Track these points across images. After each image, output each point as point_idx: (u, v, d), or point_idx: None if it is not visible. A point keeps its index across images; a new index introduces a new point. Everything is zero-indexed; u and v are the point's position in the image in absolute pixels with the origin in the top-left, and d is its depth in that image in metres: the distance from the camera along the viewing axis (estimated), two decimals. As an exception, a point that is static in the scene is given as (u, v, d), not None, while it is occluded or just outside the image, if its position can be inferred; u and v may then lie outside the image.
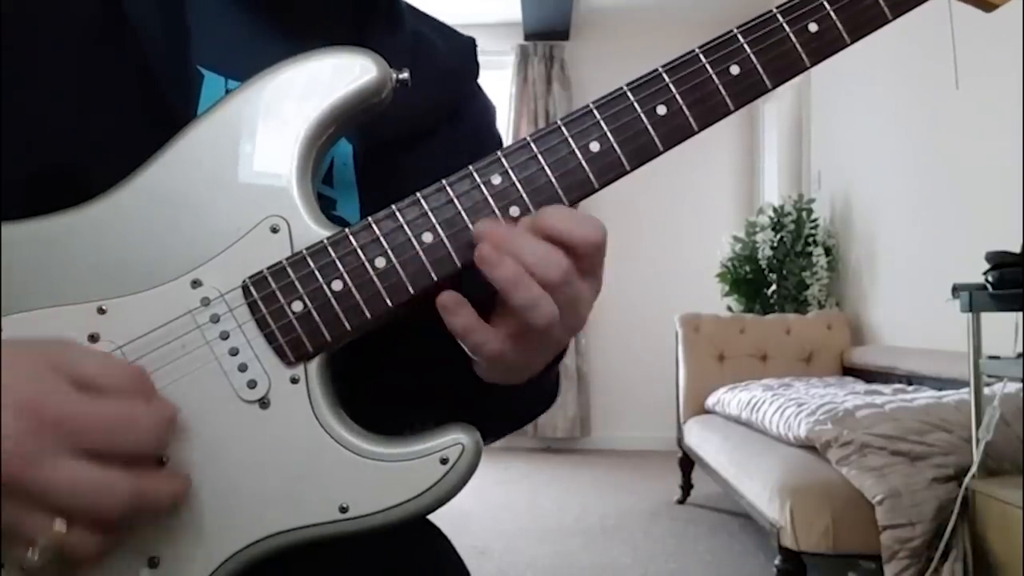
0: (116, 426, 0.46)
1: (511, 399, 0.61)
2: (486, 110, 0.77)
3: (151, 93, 0.57)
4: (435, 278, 0.54)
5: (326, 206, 0.61)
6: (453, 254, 0.54)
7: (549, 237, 0.52)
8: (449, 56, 0.72)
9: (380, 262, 0.53)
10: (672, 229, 5.43)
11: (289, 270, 0.53)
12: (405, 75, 0.56)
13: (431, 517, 0.59)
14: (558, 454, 5.25)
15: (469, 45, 0.75)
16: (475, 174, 0.54)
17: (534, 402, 0.69)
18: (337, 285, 0.53)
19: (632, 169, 0.56)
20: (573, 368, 5.34)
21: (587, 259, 0.53)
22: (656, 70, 0.55)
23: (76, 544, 0.45)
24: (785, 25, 0.56)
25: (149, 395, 0.49)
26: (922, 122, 3.47)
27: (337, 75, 0.55)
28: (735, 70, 0.56)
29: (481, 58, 0.76)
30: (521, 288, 0.51)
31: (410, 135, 0.66)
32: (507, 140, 0.60)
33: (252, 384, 0.53)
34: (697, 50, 0.56)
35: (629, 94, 0.55)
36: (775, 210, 4.52)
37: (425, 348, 0.61)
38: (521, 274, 0.51)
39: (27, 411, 0.43)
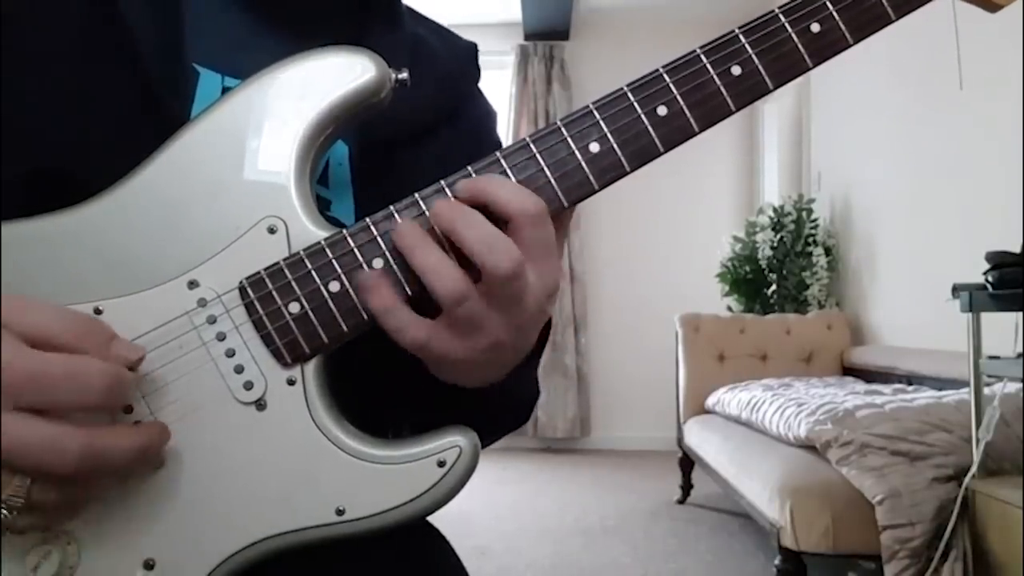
0: (61, 380, 0.45)
1: (476, 404, 0.59)
2: (486, 114, 0.76)
3: (146, 91, 0.57)
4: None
5: (321, 207, 0.60)
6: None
7: (467, 201, 0.51)
8: (449, 58, 0.72)
9: (378, 263, 0.53)
10: (672, 229, 5.43)
11: (286, 271, 0.53)
12: (404, 75, 0.56)
13: (430, 518, 0.59)
14: (558, 454, 5.25)
15: (470, 49, 0.75)
16: (474, 175, 0.54)
17: (504, 409, 0.66)
18: (334, 286, 0.53)
19: (632, 170, 0.55)
20: (573, 368, 5.34)
21: (518, 233, 0.51)
22: (657, 70, 0.55)
23: (40, 500, 0.45)
24: (787, 25, 0.56)
25: (103, 348, 0.47)
26: (922, 122, 3.46)
27: (336, 75, 0.55)
28: (736, 70, 0.55)
29: (481, 58, 0.76)
30: (417, 254, 0.50)
31: (408, 135, 0.66)
32: (507, 141, 0.60)
33: (249, 385, 0.52)
34: (698, 50, 0.55)
35: (629, 94, 0.55)
36: (775, 210, 4.52)
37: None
38: (425, 240, 0.50)
39: None
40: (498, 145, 0.75)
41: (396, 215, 0.53)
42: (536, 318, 0.53)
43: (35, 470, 0.44)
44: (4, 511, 0.44)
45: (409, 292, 0.52)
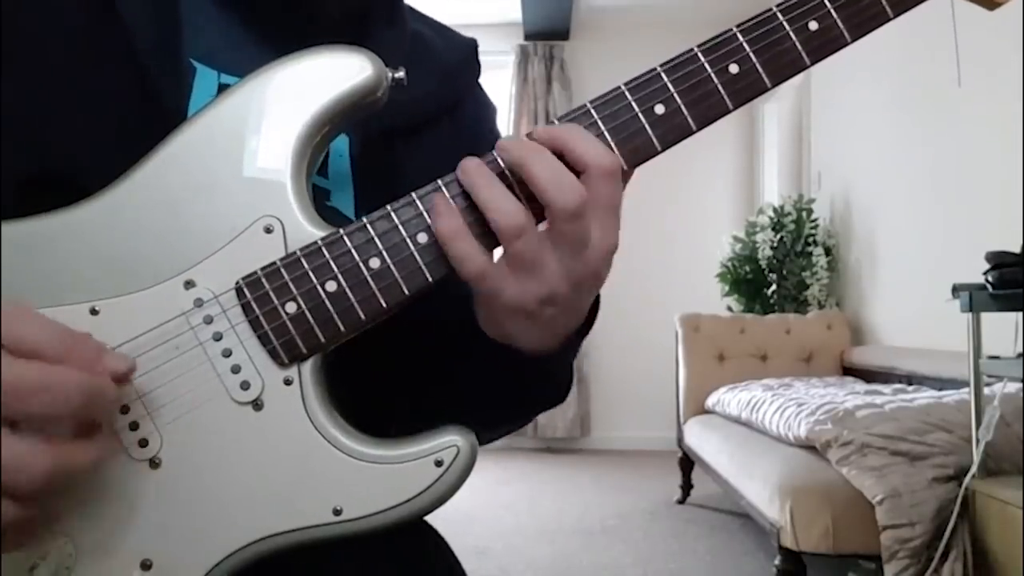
0: (35, 391, 0.44)
1: (516, 376, 0.59)
2: (487, 109, 0.76)
3: (143, 87, 0.56)
4: (430, 279, 0.53)
5: (319, 197, 0.60)
6: (450, 255, 0.53)
7: (544, 144, 0.52)
8: (449, 53, 0.72)
9: (375, 263, 0.53)
10: (672, 229, 5.43)
11: (283, 271, 0.53)
12: (401, 74, 0.56)
13: (428, 518, 0.58)
14: (558, 454, 5.25)
15: (470, 45, 0.75)
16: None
17: (543, 386, 0.65)
18: (331, 286, 0.53)
19: (630, 169, 0.55)
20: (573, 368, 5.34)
21: (590, 185, 0.51)
22: (654, 69, 0.55)
23: (7, 515, 0.44)
24: (785, 23, 0.56)
25: (92, 360, 0.47)
26: (922, 122, 3.46)
27: (333, 74, 0.55)
28: (734, 69, 0.55)
29: (481, 58, 0.76)
30: (485, 188, 0.51)
31: (408, 128, 0.66)
32: (505, 139, 0.60)
33: (245, 385, 0.52)
34: (696, 49, 0.55)
35: (627, 93, 0.55)
36: (775, 210, 4.52)
37: (425, 337, 0.60)
38: (490, 176, 0.51)
39: None
40: (498, 139, 0.75)
41: (393, 214, 0.53)
42: (593, 277, 0.53)
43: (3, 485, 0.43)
44: None
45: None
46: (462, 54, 0.73)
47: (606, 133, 0.54)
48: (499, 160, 0.53)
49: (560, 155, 0.52)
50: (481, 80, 0.76)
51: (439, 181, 0.54)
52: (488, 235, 0.52)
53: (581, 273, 0.52)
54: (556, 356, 0.59)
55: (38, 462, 0.44)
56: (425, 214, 0.53)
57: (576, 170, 0.51)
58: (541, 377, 0.62)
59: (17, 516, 0.45)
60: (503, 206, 0.51)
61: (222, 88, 0.60)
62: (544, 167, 0.51)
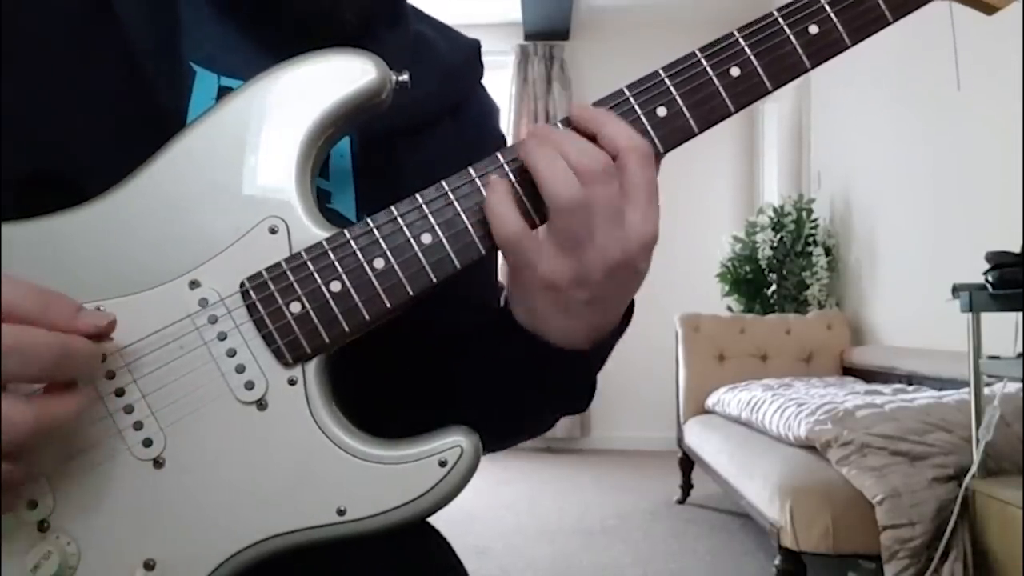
0: (7, 351, 0.44)
1: (542, 372, 0.59)
2: (489, 110, 0.76)
3: (142, 89, 0.57)
4: (434, 280, 0.53)
5: (321, 198, 0.60)
6: (452, 255, 0.54)
7: (579, 125, 0.53)
8: (452, 54, 0.72)
9: (379, 263, 0.53)
10: (672, 229, 5.36)
11: (287, 271, 0.53)
12: (405, 77, 0.56)
13: (429, 518, 0.59)
14: (558, 454, 5.25)
15: (473, 46, 0.75)
16: (474, 175, 0.54)
17: (569, 387, 0.65)
18: (336, 286, 0.53)
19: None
20: (573, 368, 5.33)
21: (625, 170, 0.52)
22: (656, 72, 0.55)
23: None
24: (785, 27, 0.56)
25: (68, 319, 0.47)
26: (922, 122, 3.46)
27: (337, 76, 0.55)
28: (735, 72, 0.55)
29: (483, 59, 0.76)
30: (544, 162, 0.51)
31: (411, 127, 0.66)
32: (507, 141, 0.60)
33: (250, 385, 0.53)
34: (697, 52, 0.56)
35: (629, 95, 0.55)
36: (775, 210, 4.52)
37: (428, 340, 0.60)
38: (554, 155, 0.52)
39: None
40: (500, 139, 0.75)
41: (397, 216, 0.54)
42: (629, 268, 0.53)
43: None
44: None
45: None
46: (465, 55, 0.74)
47: (608, 135, 0.54)
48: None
49: (592, 137, 0.53)
50: (484, 80, 0.76)
51: (443, 182, 0.54)
52: (530, 214, 0.53)
53: (619, 261, 0.52)
54: (584, 356, 0.58)
55: (21, 419, 0.44)
56: (429, 215, 0.53)
57: (610, 153, 0.52)
58: (565, 376, 0.61)
59: (4, 471, 0.45)
60: (561, 176, 0.51)
61: (222, 91, 0.60)
62: (571, 145, 0.52)
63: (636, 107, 0.55)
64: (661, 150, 0.55)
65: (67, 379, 0.47)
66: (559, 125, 0.54)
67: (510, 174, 0.54)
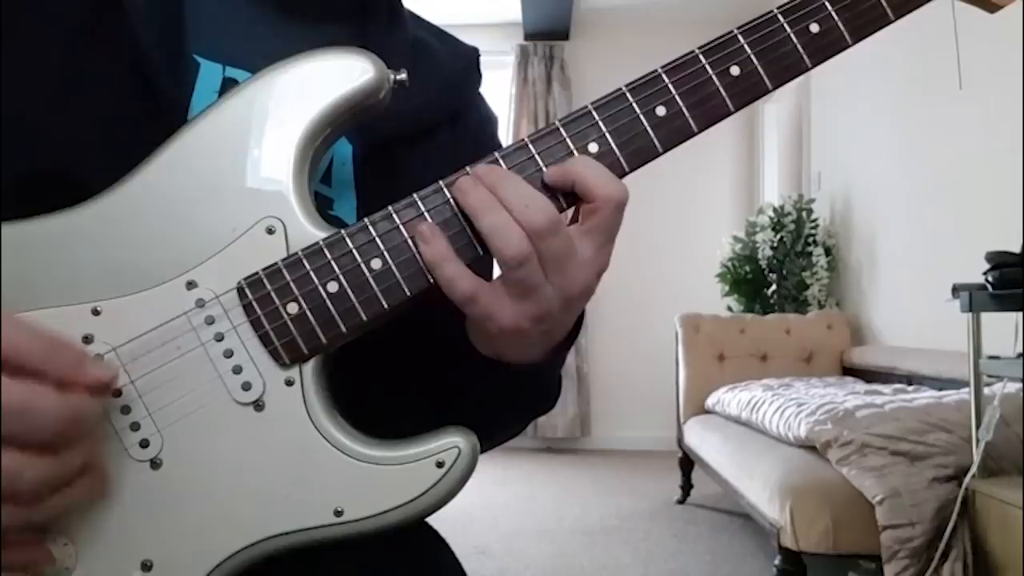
0: (15, 413, 0.43)
1: (507, 388, 0.60)
2: (488, 119, 0.77)
3: (146, 82, 0.57)
4: (431, 280, 0.53)
5: (323, 206, 0.60)
6: (451, 256, 0.53)
7: (556, 184, 0.53)
8: (452, 61, 0.72)
9: (376, 264, 0.53)
10: (672, 229, 5.42)
11: (284, 272, 0.53)
12: (403, 76, 0.56)
13: (429, 518, 0.58)
14: (558, 454, 5.24)
15: (472, 54, 0.75)
16: (472, 174, 0.54)
17: (533, 396, 0.66)
18: (333, 287, 0.53)
19: (631, 171, 0.55)
20: (573, 368, 5.34)
21: (597, 215, 0.52)
22: (655, 71, 0.55)
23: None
24: (786, 25, 0.56)
25: (73, 369, 0.46)
26: (922, 122, 3.46)
27: (335, 76, 0.55)
28: (735, 71, 0.55)
29: (481, 58, 0.75)
30: (486, 214, 0.51)
31: (410, 136, 0.66)
32: (507, 141, 0.60)
33: (247, 386, 0.52)
34: (697, 51, 0.55)
35: (628, 95, 0.55)
36: (775, 210, 4.52)
37: (422, 343, 0.60)
38: (492, 202, 0.51)
39: None
40: (499, 149, 0.75)
41: (395, 215, 0.53)
42: (583, 293, 0.54)
43: None
44: None
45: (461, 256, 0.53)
46: (464, 62, 0.74)
47: (607, 135, 0.54)
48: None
49: (571, 188, 0.53)
50: (482, 88, 0.76)
51: (440, 182, 0.54)
52: (474, 245, 0.53)
53: (574, 291, 0.53)
54: (543, 367, 0.59)
55: (32, 472, 0.44)
56: (427, 214, 0.53)
57: (586, 201, 0.52)
58: (530, 387, 0.63)
59: (18, 520, 0.45)
60: (510, 233, 0.50)
61: (227, 81, 0.60)
62: (513, 190, 0.51)
63: (635, 106, 0.54)
64: (661, 150, 0.55)
65: (71, 442, 0.47)
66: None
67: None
